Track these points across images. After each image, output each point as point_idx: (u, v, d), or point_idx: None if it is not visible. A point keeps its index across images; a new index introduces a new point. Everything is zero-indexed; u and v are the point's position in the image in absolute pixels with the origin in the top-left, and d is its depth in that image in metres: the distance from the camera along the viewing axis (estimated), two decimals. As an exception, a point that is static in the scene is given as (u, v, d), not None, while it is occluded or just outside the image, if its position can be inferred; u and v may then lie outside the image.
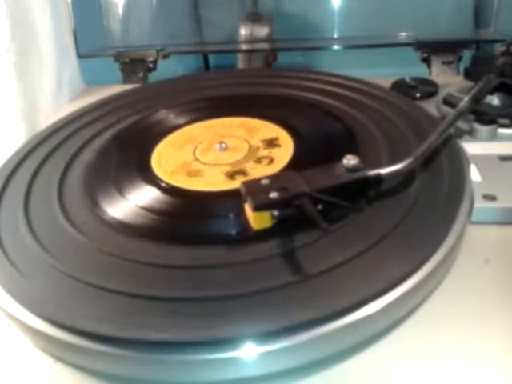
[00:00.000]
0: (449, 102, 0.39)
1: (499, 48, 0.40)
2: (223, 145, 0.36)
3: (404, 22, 0.62)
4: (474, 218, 0.30)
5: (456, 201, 0.28)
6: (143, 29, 0.68)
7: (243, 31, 0.66)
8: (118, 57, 0.61)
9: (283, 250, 0.26)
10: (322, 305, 0.23)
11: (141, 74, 0.60)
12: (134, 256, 0.27)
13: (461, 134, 0.37)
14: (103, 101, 0.46)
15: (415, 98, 0.43)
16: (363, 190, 0.29)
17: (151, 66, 0.60)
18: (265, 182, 0.27)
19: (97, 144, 0.39)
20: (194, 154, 0.36)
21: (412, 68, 0.54)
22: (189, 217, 0.30)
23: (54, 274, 0.26)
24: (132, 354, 0.22)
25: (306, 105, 0.41)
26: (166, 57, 0.62)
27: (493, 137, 0.36)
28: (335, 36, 0.66)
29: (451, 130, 0.34)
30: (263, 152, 0.35)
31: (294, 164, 0.33)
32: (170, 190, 0.32)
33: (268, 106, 0.42)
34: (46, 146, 0.39)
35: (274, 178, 0.28)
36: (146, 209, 0.30)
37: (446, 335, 0.24)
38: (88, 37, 0.61)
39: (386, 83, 0.46)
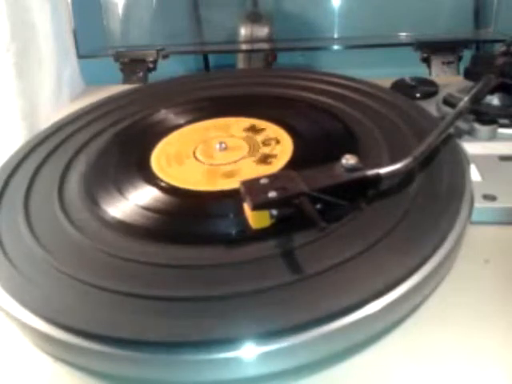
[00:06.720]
0: (449, 102, 0.39)
1: (499, 48, 0.40)
2: (223, 145, 0.36)
3: (404, 22, 0.62)
4: (474, 217, 0.30)
5: (456, 201, 0.28)
6: (143, 29, 0.68)
7: (243, 31, 0.66)
8: (117, 57, 0.61)
9: (282, 249, 0.26)
10: (322, 305, 0.23)
11: (141, 74, 0.60)
12: (134, 256, 0.27)
13: (461, 134, 0.37)
14: (103, 101, 0.46)
15: (415, 98, 0.43)
16: (362, 190, 0.29)
17: (151, 65, 0.60)
18: (264, 181, 0.27)
19: (97, 144, 0.39)
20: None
21: (412, 68, 0.54)
22: (188, 216, 0.30)
23: (53, 274, 0.26)
24: (131, 354, 0.22)
25: (306, 105, 0.41)
26: (166, 57, 0.62)
27: (493, 137, 0.36)
28: (335, 36, 0.66)
29: (451, 130, 0.34)
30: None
31: (294, 164, 0.33)
32: (169, 190, 0.32)
33: (268, 106, 0.42)
34: (46, 146, 0.39)
35: (273, 177, 0.28)
36: (146, 208, 0.30)
37: (445, 335, 0.24)
38: (88, 37, 0.61)
39: (386, 83, 0.46)
